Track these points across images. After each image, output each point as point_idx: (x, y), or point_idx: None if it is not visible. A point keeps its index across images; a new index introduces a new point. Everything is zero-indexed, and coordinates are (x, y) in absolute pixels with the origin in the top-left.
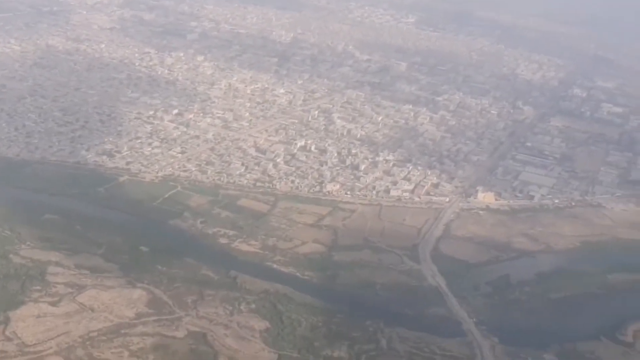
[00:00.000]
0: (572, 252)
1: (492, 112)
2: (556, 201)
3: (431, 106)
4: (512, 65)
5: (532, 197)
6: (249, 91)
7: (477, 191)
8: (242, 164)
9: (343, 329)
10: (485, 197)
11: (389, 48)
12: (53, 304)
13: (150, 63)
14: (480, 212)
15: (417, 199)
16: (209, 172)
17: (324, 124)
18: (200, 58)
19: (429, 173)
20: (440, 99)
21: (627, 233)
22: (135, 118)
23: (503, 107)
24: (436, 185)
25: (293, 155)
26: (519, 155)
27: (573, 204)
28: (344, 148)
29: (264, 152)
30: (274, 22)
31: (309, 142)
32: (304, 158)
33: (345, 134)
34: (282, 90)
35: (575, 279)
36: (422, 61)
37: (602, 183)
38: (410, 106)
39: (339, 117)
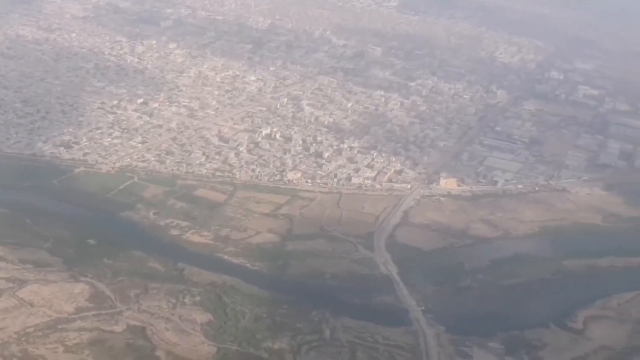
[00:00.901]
0: (530, 238)
1: (465, 96)
2: (520, 186)
3: (403, 92)
4: (491, 48)
5: (495, 183)
6: (218, 79)
7: (440, 177)
8: (203, 154)
9: (288, 319)
10: (447, 183)
11: (367, 33)
12: None
13: (121, 52)
14: (441, 198)
15: (378, 186)
16: (168, 162)
17: (292, 111)
18: (172, 46)
19: (393, 160)
20: (413, 84)
21: (588, 217)
22: (98, 108)
23: (476, 92)
24: (399, 172)
25: (257, 144)
26: (486, 140)
27: (537, 188)
28: (309, 135)
29: (227, 140)
30: (252, 8)
31: (274, 130)
32: (267, 146)
33: (312, 121)
34: (252, 78)
35: (530, 265)
36: (399, 46)
37: (569, 167)
38: (382, 92)
39: (308, 104)
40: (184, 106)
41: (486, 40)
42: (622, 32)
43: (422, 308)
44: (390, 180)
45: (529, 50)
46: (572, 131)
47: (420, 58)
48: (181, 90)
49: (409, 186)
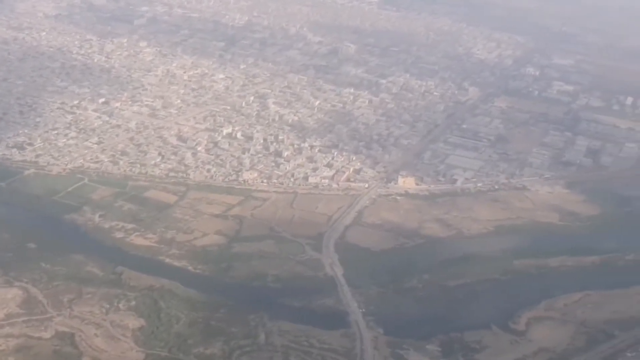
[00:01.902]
0: (483, 237)
1: (435, 93)
2: (479, 185)
3: (374, 89)
4: (470, 44)
5: (454, 181)
6: (186, 77)
7: (398, 176)
8: (159, 154)
9: (223, 324)
10: (405, 182)
11: (344, 30)
12: None
13: (89, 51)
14: (398, 197)
15: (335, 185)
16: (122, 163)
17: (257, 110)
18: (143, 44)
19: (353, 158)
20: (384, 81)
21: (545, 216)
22: (57, 108)
23: (448, 89)
24: (358, 171)
25: (216, 143)
26: (451, 138)
27: (496, 187)
28: (271, 134)
29: (185, 140)
30: (231, 4)
31: (236, 129)
32: (226, 146)
33: (276, 119)
34: (221, 76)
35: (479, 265)
36: (376, 42)
37: (532, 165)
38: (352, 89)
39: (274, 103)
40: (146, 105)
41: (465, 36)
42: (608, 27)
43: (363, 310)
44: (348, 180)
45: (508, 46)
46: (541, 128)
47: (396, 55)
48: (146, 90)
49: (367, 185)
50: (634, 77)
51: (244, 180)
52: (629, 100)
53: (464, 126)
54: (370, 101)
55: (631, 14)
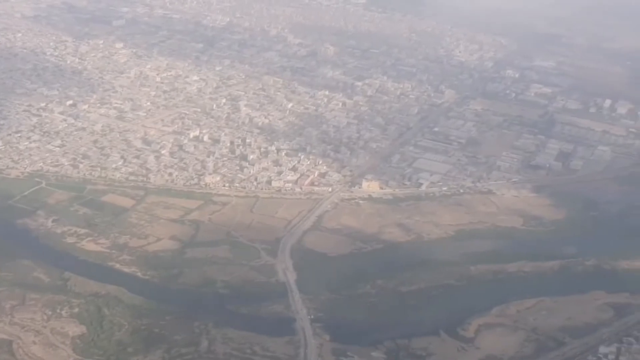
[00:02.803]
0: (442, 242)
1: (411, 96)
2: (444, 189)
3: (349, 91)
4: (452, 46)
5: (420, 185)
6: (158, 79)
7: (363, 180)
8: (121, 157)
9: (167, 331)
10: (369, 186)
11: (327, 31)
12: None
13: (64, 52)
14: (361, 202)
15: (298, 189)
16: (82, 166)
17: (228, 112)
18: (119, 45)
19: (320, 162)
20: (360, 84)
21: (508, 221)
22: (23, 110)
23: (424, 91)
24: (323, 175)
25: (181, 147)
26: (422, 141)
27: (462, 191)
28: (239, 137)
29: (150, 143)
30: (214, 5)
31: (203, 131)
32: (191, 149)
33: (246, 122)
34: (195, 78)
35: (435, 271)
36: (357, 44)
37: (500, 168)
38: (327, 92)
39: (246, 105)
40: (115, 108)
41: (449, 38)
42: (596, 28)
43: (311, 317)
44: (312, 184)
45: (491, 48)
46: (515, 131)
47: (375, 57)
48: (116, 92)
49: (330, 189)
50: (616, 79)
51: (206, 184)
52: (607, 102)
53: (436, 129)
54: (344, 104)
55: (622, 15)
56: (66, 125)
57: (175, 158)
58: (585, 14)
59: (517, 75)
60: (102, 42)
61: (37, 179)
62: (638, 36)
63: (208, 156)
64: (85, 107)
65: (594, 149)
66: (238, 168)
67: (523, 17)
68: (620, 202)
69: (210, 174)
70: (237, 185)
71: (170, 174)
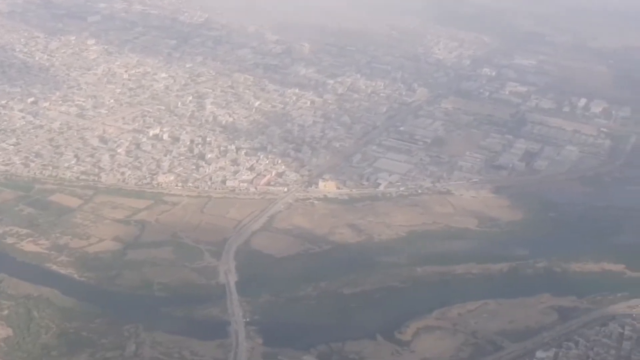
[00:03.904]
0: (392, 243)
1: (382, 94)
2: (402, 189)
3: (320, 90)
4: (431, 44)
5: (378, 185)
6: (126, 76)
7: (320, 180)
8: (75, 156)
9: (95, 335)
10: (326, 186)
11: (307, 29)
12: None
13: (33, 49)
14: (316, 202)
15: (253, 189)
16: (34, 165)
17: (192, 110)
18: (90, 42)
19: (279, 162)
20: (331, 82)
21: (463, 222)
22: None
23: (396, 89)
24: (281, 175)
25: (138, 145)
26: (386, 141)
27: (420, 191)
28: (199, 136)
29: (106, 142)
30: (193, 1)
31: (164, 130)
32: (149, 148)
33: (210, 120)
34: (163, 75)
35: (381, 273)
36: (335, 42)
37: (461, 168)
38: (297, 90)
39: (212, 103)
40: (76, 105)
41: (430, 35)
42: (581, 27)
43: (247, 320)
44: (268, 183)
45: (471, 46)
46: (483, 130)
47: (352, 54)
48: (81, 89)
49: (286, 189)
50: (596, 78)
51: (158, 184)
52: (582, 101)
53: (402, 128)
54: (313, 102)
55: (611, 14)
56: (24, 123)
57: (131, 157)
58: (571, 12)
59: (493, 74)
60: (74, 38)
61: None
62: (623, 35)
63: (165, 155)
64: (47, 104)
65: (560, 149)
66: (194, 167)
67: (509, 15)
68: (581, 203)
69: (164, 173)
70: (191, 184)
71: (122, 173)
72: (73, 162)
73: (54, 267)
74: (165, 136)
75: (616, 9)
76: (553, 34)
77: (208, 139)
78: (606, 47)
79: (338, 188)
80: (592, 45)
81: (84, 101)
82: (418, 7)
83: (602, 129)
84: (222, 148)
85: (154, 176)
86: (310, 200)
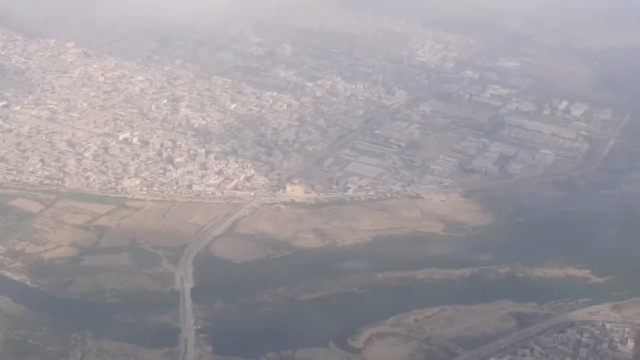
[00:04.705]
0: (356, 248)
1: (360, 97)
2: (371, 193)
3: (298, 92)
4: (416, 46)
5: (346, 189)
6: (102, 79)
7: (288, 184)
8: (41, 160)
9: (41, 342)
10: (294, 190)
11: (291, 30)
12: None
13: (11, 51)
14: (282, 206)
15: (219, 194)
16: None
17: (166, 114)
18: (70, 44)
19: (248, 165)
20: (311, 84)
21: (429, 226)
22: None
23: (375, 92)
24: (249, 179)
25: (106, 149)
26: (360, 144)
27: (389, 195)
28: (170, 140)
29: (74, 146)
30: (180, 3)
31: (134, 133)
32: (117, 152)
33: (183, 124)
34: (139, 78)
35: (340, 278)
36: (319, 44)
37: (433, 172)
38: (274, 93)
39: (186, 106)
40: (48, 109)
41: (415, 37)
42: (569, 27)
43: (198, 327)
44: (236, 188)
45: (456, 48)
46: (459, 134)
47: (334, 57)
48: (55, 92)
49: (253, 194)
50: (580, 80)
51: (123, 188)
52: (563, 104)
53: (377, 131)
54: (289, 105)
55: (600, 13)
56: None
57: (98, 161)
58: (560, 12)
59: (476, 76)
60: (53, 41)
61: None
62: (610, 35)
63: (133, 159)
64: (18, 108)
65: (536, 153)
66: (161, 171)
67: (495, 16)
68: (551, 207)
69: (130, 177)
70: (156, 189)
71: (87, 178)
72: (38, 166)
73: (7, 274)
74: (135, 140)
75: (607, 9)
76: (539, 34)
77: (178, 143)
78: (592, 48)
79: (306, 192)
80: (579, 46)
81: (56, 105)
82: (406, 8)
83: (581, 132)
84: (191, 152)
85: (119, 180)
86: (277, 205)
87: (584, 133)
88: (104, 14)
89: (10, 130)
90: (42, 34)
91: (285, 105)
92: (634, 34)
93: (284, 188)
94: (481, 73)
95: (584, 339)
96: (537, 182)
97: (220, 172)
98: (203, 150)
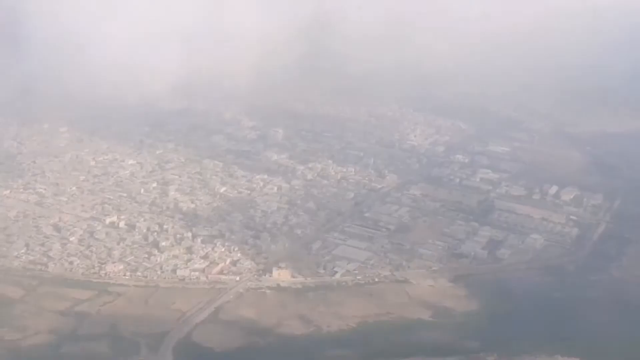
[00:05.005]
0: (341, 335)
1: (351, 180)
2: (359, 277)
3: (289, 175)
4: (408, 130)
5: (334, 274)
6: (93, 163)
7: (274, 268)
8: (25, 245)
9: None
10: (280, 275)
11: (284, 114)
12: None
13: (4, 136)
14: (268, 291)
15: (204, 279)
16: None
17: (154, 198)
18: (63, 129)
19: (235, 249)
20: (302, 167)
21: (417, 312)
22: None
23: (366, 176)
24: (235, 263)
25: (92, 234)
26: (349, 227)
27: (377, 280)
28: (157, 223)
29: (60, 230)
30: (173, 88)
31: (121, 217)
32: (103, 236)
33: (171, 207)
34: (130, 162)
35: None
36: (311, 127)
37: (422, 256)
38: (265, 176)
39: (176, 190)
40: (37, 193)
41: (407, 122)
42: (558, 112)
43: None
44: (221, 272)
45: (447, 132)
46: (449, 217)
47: (327, 140)
48: (45, 176)
49: (238, 278)
50: (570, 165)
51: (106, 273)
52: (554, 189)
53: (367, 215)
54: (280, 188)
55: (591, 99)
56: None
57: (83, 245)
58: (551, 98)
59: (466, 160)
60: (47, 125)
61: None
62: (602, 120)
63: (118, 243)
64: (7, 192)
65: (525, 237)
66: (146, 256)
67: (487, 101)
68: (540, 293)
69: (114, 262)
70: (140, 274)
71: (70, 263)
72: (23, 251)
73: None
74: (121, 224)
75: (599, 94)
76: (530, 119)
77: (165, 227)
78: (584, 133)
79: (293, 277)
80: (570, 131)
81: (45, 189)
82: (398, 94)
83: (571, 216)
84: (178, 236)
85: (103, 265)
86: (262, 290)
87: (574, 218)
88: (99, 98)
89: None
90: (35, 118)
91: (275, 188)
92: (625, 120)
93: (271, 272)
94: (472, 157)
95: None
96: (526, 267)
97: (206, 256)
98: (190, 234)
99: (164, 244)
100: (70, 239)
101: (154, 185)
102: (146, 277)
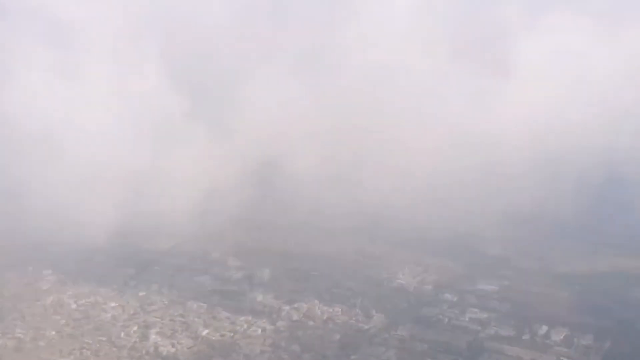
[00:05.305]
0: None
1: (338, 321)
2: None
3: (274, 316)
4: (396, 269)
5: None
6: (74, 306)
7: None
8: None
9: None
10: None
11: (271, 253)
12: None
13: None
14: None
15: None
16: None
17: (135, 341)
18: (47, 271)
19: None
20: (287, 308)
21: None
22: None
23: (353, 316)
24: None
25: None
26: None
27: None
28: None
29: None
30: (163, 228)
31: None
32: None
33: (151, 351)
34: (112, 304)
35: None
36: (299, 266)
37: None
38: (250, 317)
39: (157, 333)
40: (15, 338)
41: (395, 260)
42: (548, 251)
43: None
44: None
45: (435, 271)
46: (437, 359)
47: (314, 279)
48: (24, 320)
49: None
50: (559, 304)
51: None
52: (543, 329)
53: (353, 357)
54: (264, 330)
55: (580, 237)
56: None
57: None
58: (540, 235)
59: (455, 299)
60: (31, 268)
61: None
62: (591, 259)
63: None
64: None
65: None
66: None
67: (475, 240)
68: None
69: None
70: None
71: None
72: None
73: None
74: None
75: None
76: (519, 258)
77: None
78: (575, 272)
79: None
80: (559, 270)
81: (24, 334)
82: (385, 234)
83: (562, 357)
84: None
85: None
86: None
87: (565, 359)
88: (85, 239)
89: None
90: (20, 260)
91: (259, 330)
92: (614, 259)
93: None
94: (460, 296)
95: None
96: None
97: None
98: None
99: None
100: None
101: (135, 328)
102: None
